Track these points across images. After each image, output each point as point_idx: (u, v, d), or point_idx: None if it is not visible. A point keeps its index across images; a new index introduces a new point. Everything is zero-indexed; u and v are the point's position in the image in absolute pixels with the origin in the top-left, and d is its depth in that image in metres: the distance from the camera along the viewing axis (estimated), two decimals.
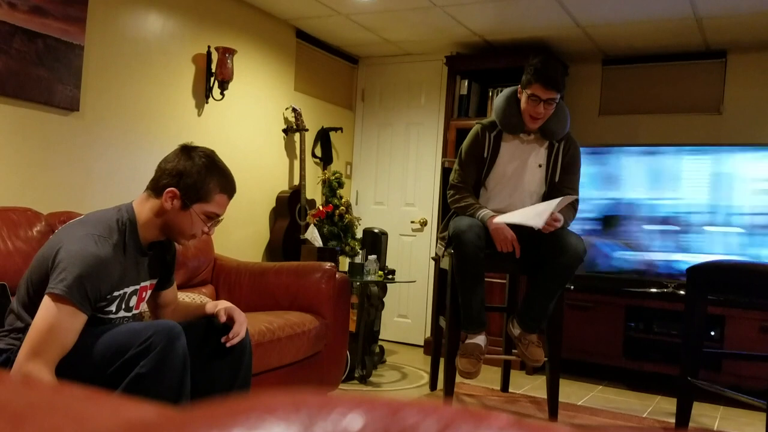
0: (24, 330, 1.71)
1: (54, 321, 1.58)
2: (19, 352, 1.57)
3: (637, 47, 4.26)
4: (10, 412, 0.29)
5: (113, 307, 1.77)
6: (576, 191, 2.92)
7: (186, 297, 2.71)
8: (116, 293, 1.76)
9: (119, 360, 1.58)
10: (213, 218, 1.84)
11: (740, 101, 4.16)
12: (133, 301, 1.84)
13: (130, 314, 1.85)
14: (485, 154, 2.88)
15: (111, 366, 1.58)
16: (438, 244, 3.18)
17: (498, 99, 2.94)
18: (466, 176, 2.93)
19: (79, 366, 1.59)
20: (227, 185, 1.83)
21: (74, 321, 1.61)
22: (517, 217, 2.72)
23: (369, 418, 0.23)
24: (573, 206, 2.89)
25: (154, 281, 1.95)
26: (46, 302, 1.59)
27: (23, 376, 1.24)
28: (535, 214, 2.68)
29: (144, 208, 1.81)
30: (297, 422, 0.23)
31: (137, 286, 1.84)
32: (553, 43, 4.29)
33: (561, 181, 2.89)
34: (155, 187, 1.80)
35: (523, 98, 2.79)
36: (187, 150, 1.81)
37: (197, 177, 1.77)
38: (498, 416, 0.23)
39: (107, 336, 1.64)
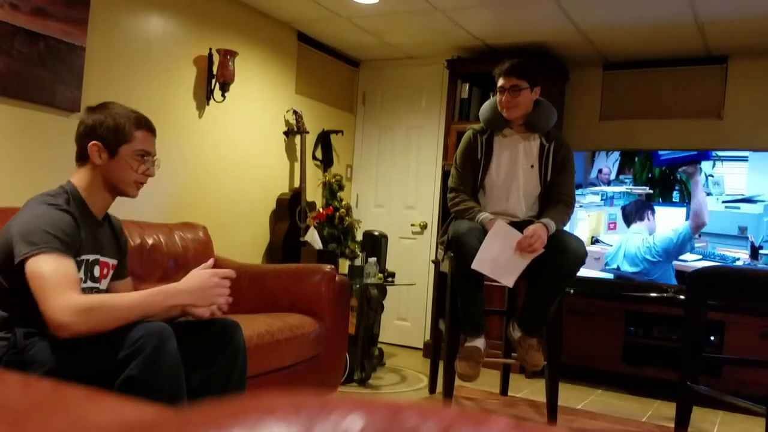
0: (6, 322, 1.70)
1: (46, 269, 1.57)
2: (42, 308, 1.54)
3: (638, 52, 4.27)
4: (10, 412, 0.29)
5: (81, 274, 1.77)
6: (570, 191, 2.94)
7: None
8: (80, 257, 1.76)
9: (110, 361, 1.56)
10: (144, 156, 1.86)
11: (741, 106, 4.17)
12: (97, 272, 1.84)
13: (97, 285, 1.85)
14: (479, 156, 2.92)
15: (102, 367, 1.56)
16: (438, 249, 3.19)
17: (483, 105, 3.03)
18: (464, 179, 2.95)
19: (70, 367, 1.58)
20: (140, 120, 1.87)
21: (63, 262, 1.60)
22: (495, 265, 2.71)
23: (369, 420, 0.23)
24: (566, 206, 2.89)
25: (115, 262, 1.95)
26: (28, 267, 1.57)
27: (65, 310, 1.36)
28: (506, 273, 2.70)
29: (80, 178, 1.84)
30: (297, 423, 0.23)
31: (98, 257, 1.84)
32: (554, 48, 4.29)
33: (553, 182, 2.91)
34: (80, 156, 1.84)
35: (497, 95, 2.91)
36: (90, 108, 1.87)
37: (109, 122, 1.81)
38: (498, 419, 0.23)
39: (98, 336, 1.62)
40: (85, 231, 1.78)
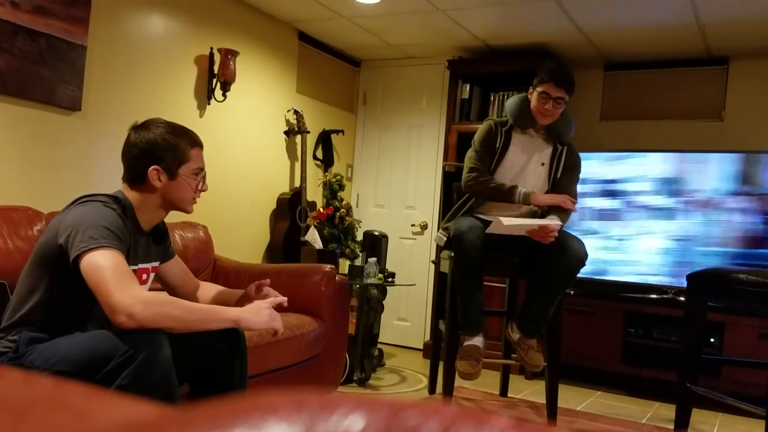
0: (19, 323, 1.69)
1: (110, 263, 1.57)
2: (108, 298, 1.54)
3: (639, 53, 4.26)
4: (11, 408, 0.29)
5: None
6: (574, 192, 2.97)
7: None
8: None
9: (102, 369, 1.55)
10: (199, 173, 1.88)
11: (742, 108, 4.16)
12: None
13: None
14: (497, 145, 2.94)
15: (95, 375, 1.55)
16: (439, 233, 3.12)
17: (510, 100, 3.04)
18: (483, 161, 2.95)
19: (63, 373, 1.57)
20: (193, 138, 1.88)
21: (119, 258, 1.60)
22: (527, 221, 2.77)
23: (370, 419, 0.23)
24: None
25: (156, 264, 1.96)
26: (89, 260, 1.57)
27: (135, 299, 1.42)
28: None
29: (134, 196, 1.82)
30: (299, 422, 0.23)
31: (135, 267, 1.83)
32: (556, 48, 4.29)
33: (560, 182, 2.94)
34: (133, 177, 1.81)
35: (534, 97, 2.89)
36: (137, 128, 1.83)
37: (167, 144, 1.79)
38: (499, 418, 0.23)
39: (90, 343, 1.61)
40: (131, 243, 1.78)
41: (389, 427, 0.22)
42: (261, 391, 0.26)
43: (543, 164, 2.94)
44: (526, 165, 2.94)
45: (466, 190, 2.96)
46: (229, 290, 2.17)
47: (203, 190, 1.91)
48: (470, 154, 3.01)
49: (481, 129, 3.02)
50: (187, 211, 1.91)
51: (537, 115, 2.88)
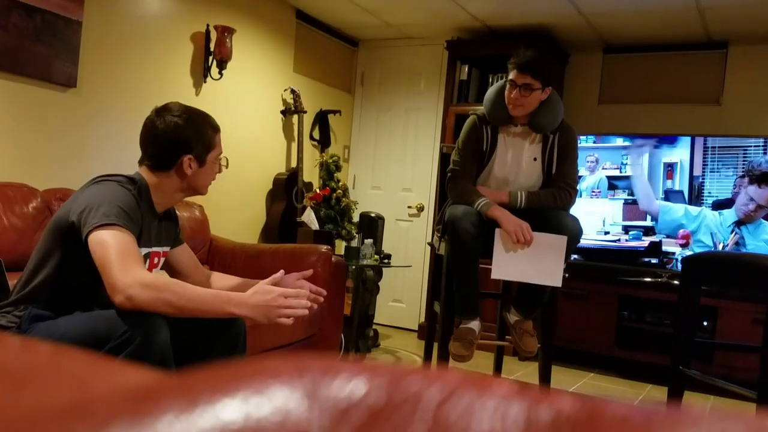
0: (26, 299, 1.70)
1: (117, 241, 1.57)
2: (110, 277, 1.54)
3: (639, 37, 4.25)
4: (10, 375, 0.28)
5: None
6: (568, 175, 2.80)
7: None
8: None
9: (99, 351, 1.54)
10: (218, 157, 1.93)
11: (740, 93, 4.16)
12: (147, 264, 1.86)
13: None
14: (484, 147, 2.80)
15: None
16: (435, 235, 3.16)
17: (489, 90, 2.86)
18: (465, 165, 2.83)
19: None
20: (214, 124, 1.91)
21: (132, 240, 1.61)
22: (523, 273, 2.64)
23: (373, 384, 0.23)
24: (559, 190, 2.77)
25: (167, 248, 1.96)
26: (97, 237, 1.57)
27: (135, 281, 1.40)
28: (547, 272, 2.61)
29: (155, 180, 1.83)
30: (301, 387, 0.23)
31: (149, 249, 1.84)
32: (555, 31, 4.27)
33: (556, 173, 2.78)
34: (159, 163, 1.82)
35: (506, 87, 2.73)
36: (163, 116, 1.82)
37: (196, 133, 1.83)
38: (501, 383, 0.23)
39: (88, 323, 1.62)
40: (145, 221, 1.78)
41: (391, 393, 0.22)
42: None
43: (535, 159, 2.78)
44: (518, 164, 2.79)
45: (448, 193, 2.89)
46: (247, 281, 2.10)
47: (220, 172, 1.96)
48: (454, 156, 2.87)
49: (465, 128, 2.85)
50: (204, 194, 1.96)
51: (508, 105, 2.71)
